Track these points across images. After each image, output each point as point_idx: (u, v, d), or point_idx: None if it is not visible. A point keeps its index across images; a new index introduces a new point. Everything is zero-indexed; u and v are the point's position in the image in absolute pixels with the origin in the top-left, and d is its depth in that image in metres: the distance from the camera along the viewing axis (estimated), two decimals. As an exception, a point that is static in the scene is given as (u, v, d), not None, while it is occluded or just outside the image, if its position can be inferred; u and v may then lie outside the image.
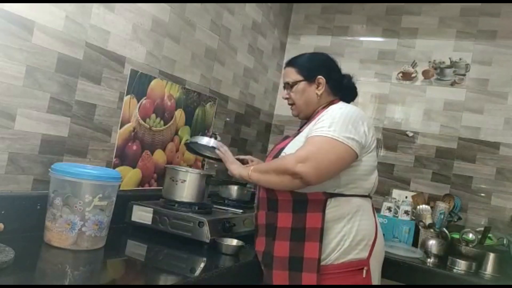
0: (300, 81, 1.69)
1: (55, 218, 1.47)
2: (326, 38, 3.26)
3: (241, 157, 1.88)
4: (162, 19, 2.14)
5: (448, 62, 2.91)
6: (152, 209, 1.90)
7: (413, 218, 2.57)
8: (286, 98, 1.75)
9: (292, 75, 1.71)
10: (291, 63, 1.75)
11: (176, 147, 2.35)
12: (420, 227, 2.48)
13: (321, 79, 1.68)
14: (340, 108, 1.59)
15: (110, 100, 1.92)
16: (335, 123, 1.52)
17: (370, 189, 1.64)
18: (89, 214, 1.48)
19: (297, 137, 1.64)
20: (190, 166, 2.43)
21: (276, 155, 1.63)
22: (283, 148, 1.63)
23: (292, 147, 1.58)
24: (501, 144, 2.73)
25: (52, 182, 1.51)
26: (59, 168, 1.50)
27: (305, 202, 1.55)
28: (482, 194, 2.74)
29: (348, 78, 1.76)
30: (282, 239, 1.57)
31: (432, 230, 2.42)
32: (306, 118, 1.73)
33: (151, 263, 1.64)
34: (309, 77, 1.69)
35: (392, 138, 2.98)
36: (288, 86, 1.72)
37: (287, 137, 1.77)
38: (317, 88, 1.68)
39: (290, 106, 1.76)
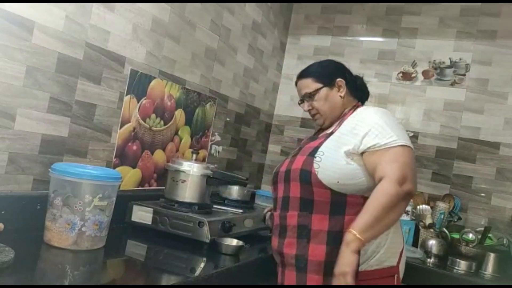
0: (321, 88, 1.68)
1: (55, 218, 1.47)
2: (326, 38, 3.26)
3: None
4: (162, 19, 2.14)
5: (448, 62, 2.91)
6: (152, 209, 1.90)
7: (413, 218, 2.57)
8: (309, 110, 1.72)
9: (311, 84, 1.70)
10: (304, 74, 1.74)
11: (176, 147, 2.35)
12: (420, 227, 2.48)
13: (340, 81, 1.68)
14: (375, 113, 1.57)
15: (110, 100, 1.92)
16: (392, 129, 1.50)
17: None
18: (89, 214, 1.48)
19: (332, 138, 1.58)
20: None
21: (312, 153, 1.55)
22: (318, 147, 1.56)
23: (330, 147, 1.54)
24: (501, 144, 2.73)
25: (52, 182, 1.51)
26: (59, 168, 1.50)
27: (343, 204, 1.51)
28: (482, 194, 2.73)
29: (360, 79, 1.78)
30: (318, 243, 1.50)
31: (432, 230, 2.42)
32: (332, 125, 1.69)
33: (151, 263, 1.64)
34: (329, 82, 1.69)
35: (392, 138, 2.98)
36: (309, 96, 1.70)
37: (314, 137, 1.72)
38: (338, 90, 1.69)
39: (313, 117, 1.74)
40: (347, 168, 1.50)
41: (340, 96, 1.68)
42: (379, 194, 1.42)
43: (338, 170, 1.50)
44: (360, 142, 1.50)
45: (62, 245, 1.46)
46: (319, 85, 1.68)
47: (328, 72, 1.71)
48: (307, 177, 1.52)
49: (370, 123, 1.53)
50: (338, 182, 1.49)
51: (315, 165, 1.51)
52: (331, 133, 1.62)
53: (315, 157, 1.53)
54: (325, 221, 1.50)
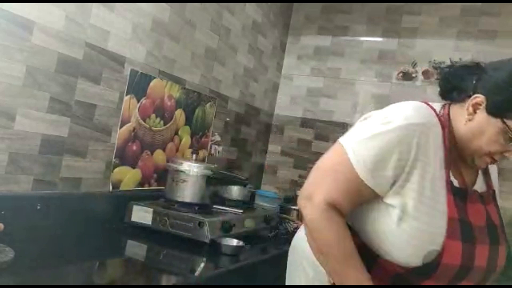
0: None
1: None
2: (326, 38, 3.25)
3: None
4: (162, 19, 2.14)
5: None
6: (152, 209, 1.90)
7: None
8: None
9: None
10: None
11: (176, 147, 2.35)
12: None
13: None
14: None
15: (110, 100, 1.92)
16: None
17: None
18: None
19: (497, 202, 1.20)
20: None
21: (495, 236, 1.17)
22: (501, 226, 1.22)
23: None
24: (501, 144, 2.72)
25: None
26: None
27: None
28: (482, 194, 2.73)
29: None
30: None
31: (432, 230, 2.41)
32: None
33: (151, 263, 1.64)
34: None
35: (392, 138, 2.98)
36: None
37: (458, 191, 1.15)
38: None
39: (494, 157, 1.19)
40: None
41: None
42: None
43: None
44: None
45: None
46: None
47: None
48: None
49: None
50: None
51: None
52: (494, 193, 1.24)
53: None
54: None
